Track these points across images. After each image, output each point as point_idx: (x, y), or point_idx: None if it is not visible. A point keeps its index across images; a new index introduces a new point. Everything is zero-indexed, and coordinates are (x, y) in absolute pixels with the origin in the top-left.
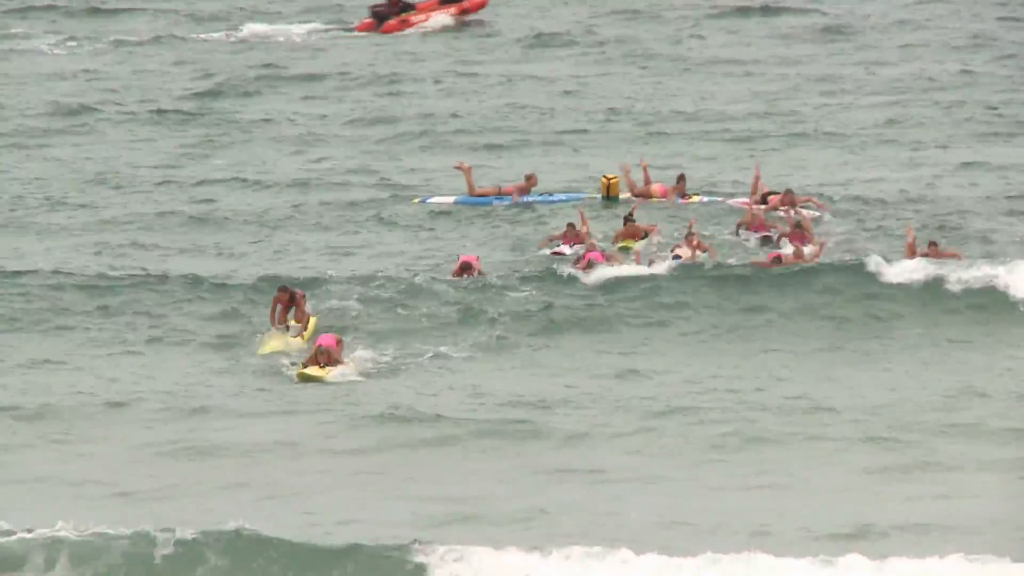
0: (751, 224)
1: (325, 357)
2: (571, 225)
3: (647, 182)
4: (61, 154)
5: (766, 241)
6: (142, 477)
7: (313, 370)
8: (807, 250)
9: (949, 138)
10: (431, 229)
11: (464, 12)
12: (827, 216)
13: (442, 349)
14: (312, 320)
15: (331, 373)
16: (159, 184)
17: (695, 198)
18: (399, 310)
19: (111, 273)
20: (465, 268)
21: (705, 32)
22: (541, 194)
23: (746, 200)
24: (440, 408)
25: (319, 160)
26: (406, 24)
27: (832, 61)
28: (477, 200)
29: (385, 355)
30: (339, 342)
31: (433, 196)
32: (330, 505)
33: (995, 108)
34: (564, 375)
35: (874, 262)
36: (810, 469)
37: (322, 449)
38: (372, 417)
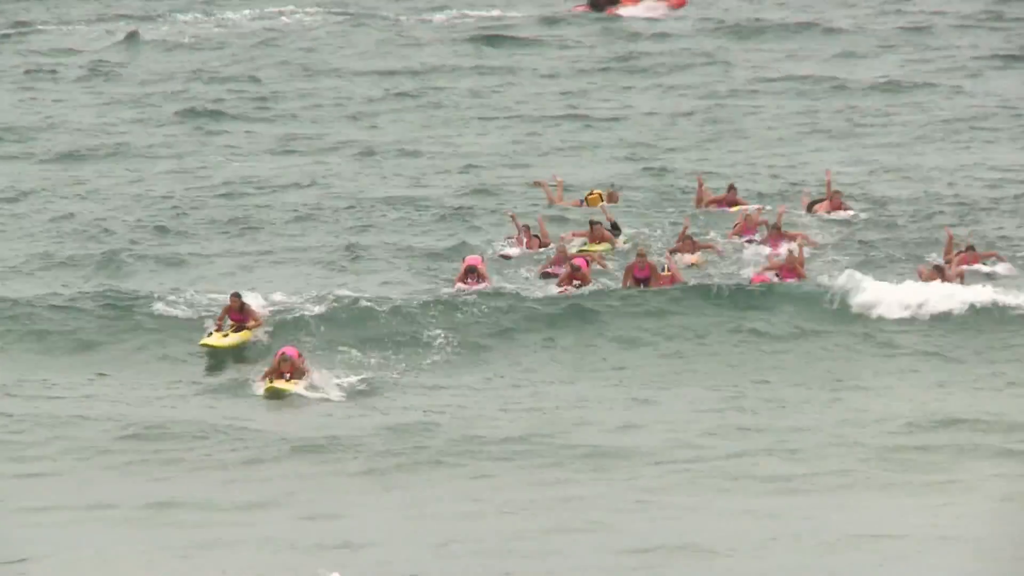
0: (743, 227)
1: (288, 366)
2: (526, 227)
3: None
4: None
5: (750, 244)
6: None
7: (280, 383)
8: (783, 249)
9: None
10: (414, 235)
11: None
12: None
13: (409, 364)
14: (246, 332)
15: (298, 386)
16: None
17: (737, 207)
18: (373, 324)
19: (69, 292)
20: (470, 271)
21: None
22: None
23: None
24: (411, 427)
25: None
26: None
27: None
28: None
29: (354, 371)
30: (299, 356)
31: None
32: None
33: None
34: (545, 393)
35: (853, 280)
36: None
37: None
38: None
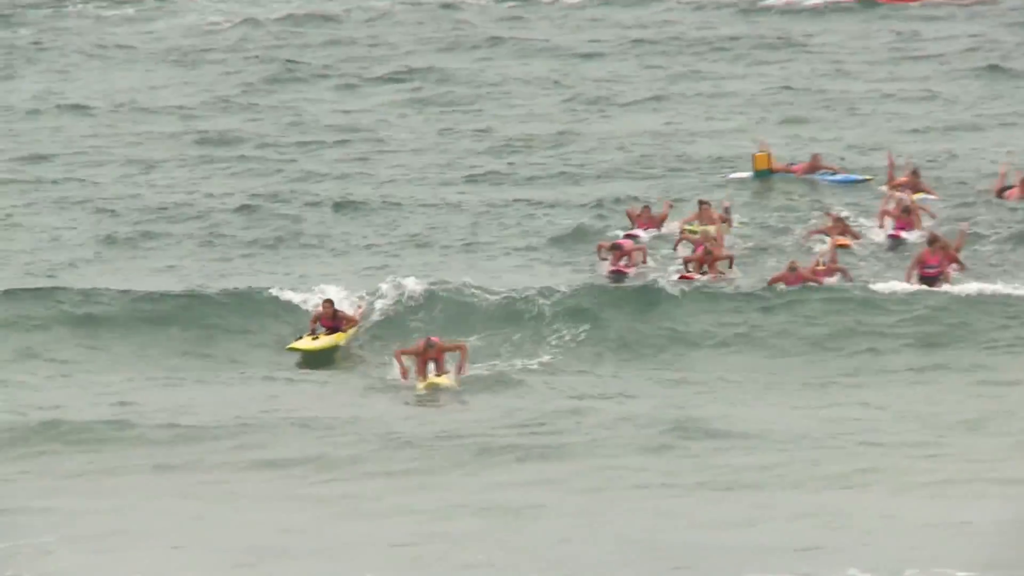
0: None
1: (435, 351)
2: (647, 208)
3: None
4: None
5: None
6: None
7: (436, 378)
8: (915, 235)
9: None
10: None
11: None
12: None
13: (546, 358)
14: (340, 335)
15: (451, 380)
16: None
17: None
18: (506, 316)
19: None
20: (616, 248)
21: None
22: (822, 172)
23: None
24: (558, 415)
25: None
26: None
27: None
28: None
29: (493, 365)
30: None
31: (735, 172)
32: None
33: None
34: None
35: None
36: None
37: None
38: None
